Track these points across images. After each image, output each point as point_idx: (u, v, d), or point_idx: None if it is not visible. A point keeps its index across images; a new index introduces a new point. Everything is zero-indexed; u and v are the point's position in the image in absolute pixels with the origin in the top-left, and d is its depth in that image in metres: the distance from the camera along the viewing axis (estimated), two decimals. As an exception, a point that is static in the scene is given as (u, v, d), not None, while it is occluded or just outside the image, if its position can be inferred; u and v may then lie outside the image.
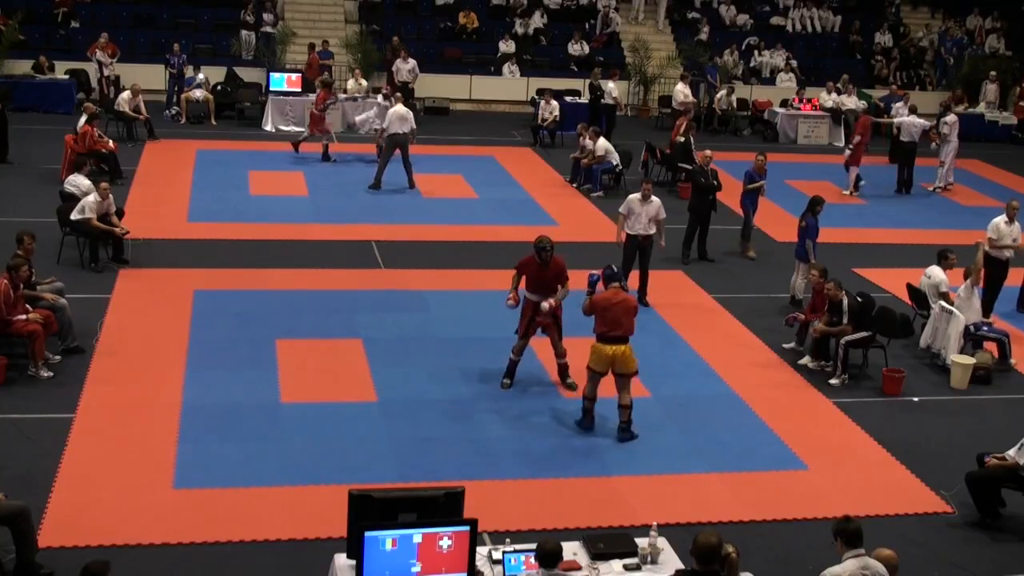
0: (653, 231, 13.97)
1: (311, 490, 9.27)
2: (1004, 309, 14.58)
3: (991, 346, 12.98)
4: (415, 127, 19.45)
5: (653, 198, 13.97)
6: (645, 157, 21.21)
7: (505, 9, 29.38)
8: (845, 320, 12.17)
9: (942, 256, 13.25)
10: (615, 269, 10.76)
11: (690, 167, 17.99)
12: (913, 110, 22.20)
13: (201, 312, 13.06)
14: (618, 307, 10.42)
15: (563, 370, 11.75)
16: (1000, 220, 14.15)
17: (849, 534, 6.89)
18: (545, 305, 11.22)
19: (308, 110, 21.55)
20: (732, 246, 16.80)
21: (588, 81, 25.31)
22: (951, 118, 21.59)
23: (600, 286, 10.68)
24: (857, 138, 20.75)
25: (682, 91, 24.41)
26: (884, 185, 21.74)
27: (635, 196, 14.03)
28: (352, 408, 10.90)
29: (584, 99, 25.35)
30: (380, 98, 22.01)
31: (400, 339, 12.65)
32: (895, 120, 22.54)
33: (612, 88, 24.42)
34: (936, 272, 13.11)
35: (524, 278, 11.39)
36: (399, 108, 19.19)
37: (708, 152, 16.73)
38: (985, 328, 12.97)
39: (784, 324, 13.17)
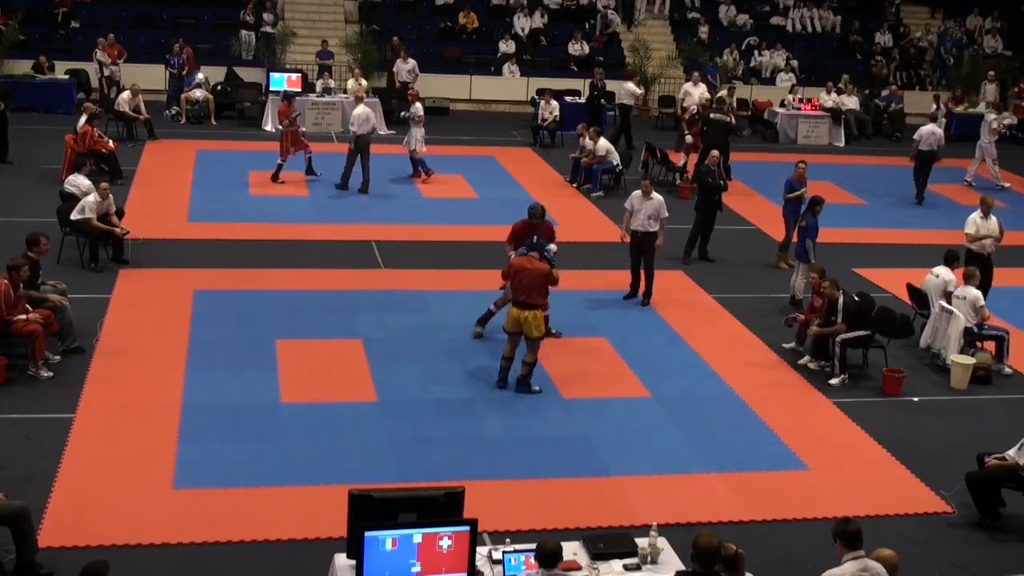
0: (652, 228, 13.95)
1: (311, 490, 9.27)
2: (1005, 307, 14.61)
3: (990, 345, 12.97)
4: (376, 126, 19.59)
5: (654, 195, 14.00)
6: (645, 157, 21.20)
7: (505, 9, 29.38)
8: (840, 319, 12.18)
9: (953, 257, 13.26)
10: (536, 241, 11.40)
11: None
12: (933, 118, 21.63)
13: (201, 312, 13.06)
14: (527, 275, 11.09)
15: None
16: (976, 216, 14.44)
17: (848, 535, 6.87)
18: (552, 247, 12.31)
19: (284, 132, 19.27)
20: (734, 246, 16.80)
21: (589, 81, 25.32)
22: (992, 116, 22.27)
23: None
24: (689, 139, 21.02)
25: (695, 91, 24.11)
26: (885, 186, 21.79)
27: (637, 192, 14.11)
28: (352, 408, 10.90)
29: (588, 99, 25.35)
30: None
31: (400, 339, 12.65)
32: (915, 136, 21.17)
33: (632, 88, 24.43)
34: (944, 272, 13.13)
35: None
36: (365, 109, 19.16)
37: (715, 152, 16.72)
38: (986, 326, 12.94)
39: (784, 324, 13.18)
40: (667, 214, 14.08)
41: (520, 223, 12.79)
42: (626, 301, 14.19)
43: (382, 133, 23.91)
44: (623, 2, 29.81)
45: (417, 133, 19.59)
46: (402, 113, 20.32)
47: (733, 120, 20.83)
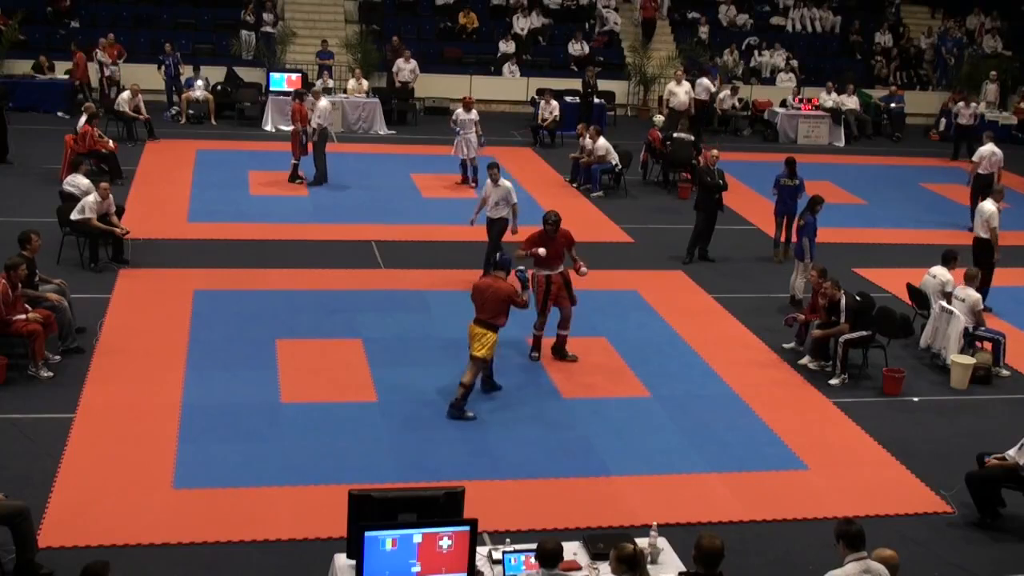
0: (502, 213, 14.42)
1: (311, 490, 9.27)
2: (1005, 308, 14.62)
3: (988, 346, 12.96)
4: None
5: (502, 182, 14.47)
6: (644, 157, 21.21)
7: (505, 9, 29.37)
8: (843, 319, 12.18)
9: (951, 257, 13.27)
10: (501, 257, 11.28)
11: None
12: (991, 138, 19.23)
13: (201, 312, 13.06)
14: (487, 293, 10.77)
15: (561, 342, 12.41)
16: (992, 206, 14.61)
17: (851, 536, 6.85)
18: (584, 270, 12.37)
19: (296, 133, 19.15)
20: (734, 246, 16.81)
21: (581, 79, 25.36)
22: None
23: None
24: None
25: (679, 90, 24.12)
26: (885, 186, 21.81)
27: (489, 181, 14.62)
28: (352, 408, 10.90)
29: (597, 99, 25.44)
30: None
31: (400, 339, 12.65)
32: (974, 158, 18.95)
33: (707, 84, 24.86)
34: (942, 272, 13.13)
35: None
36: (327, 103, 19.40)
37: (715, 152, 16.73)
38: (982, 328, 12.96)
39: (784, 324, 13.18)
40: (516, 200, 14.46)
41: (536, 232, 12.35)
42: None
43: (382, 133, 23.97)
44: (643, 27, 29.48)
45: (475, 140, 19.39)
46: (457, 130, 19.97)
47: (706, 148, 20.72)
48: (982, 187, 18.04)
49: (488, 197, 14.51)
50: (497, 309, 10.68)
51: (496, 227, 14.49)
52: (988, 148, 18.68)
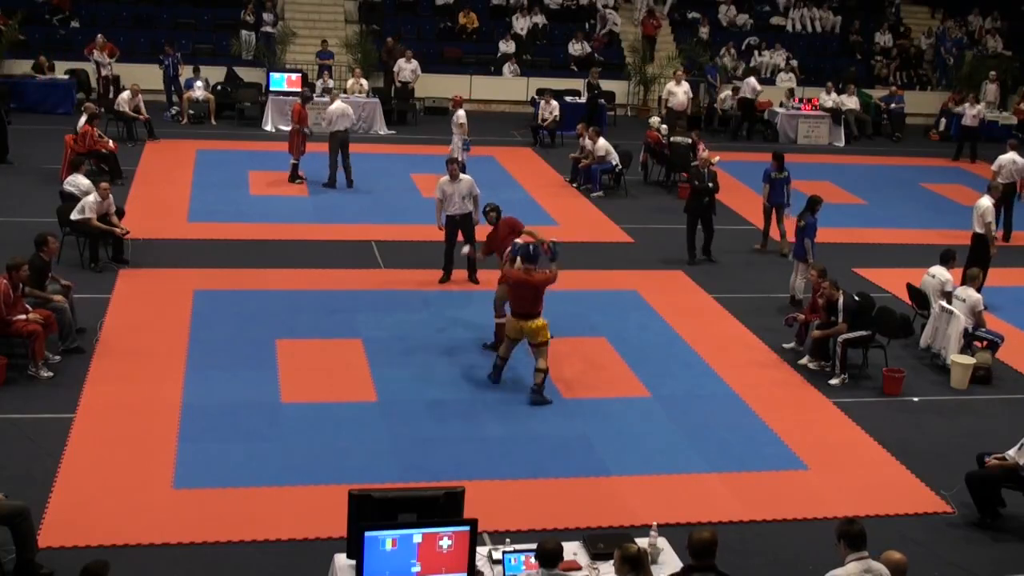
0: (469, 208, 14.34)
1: (311, 490, 9.27)
2: (1005, 308, 14.62)
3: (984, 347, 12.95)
4: (354, 120, 20.25)
5: (462, 176, 14.37)
6: (644, 158, 21.20)
7: (505, 9, 29.37)
8: (840, 319, 12.18)
9: (949, 256, 13.28)
10: (532, 251, 11.35)
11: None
12: (1014, 147, 18.30)
13: (201, 312, 13.06)
14: (527, 288, 11.14)
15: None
16: (988, 201, 14.86)
17: (852, 536, 6.84)
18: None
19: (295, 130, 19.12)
20: (734, 246, 16.81)
21: (586, 80, 25.39)
22: None
23: (519, 260, 11.45)
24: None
25: (678, 90, 24.26)
26: (885, 186, 21.81)
27: (445, 178, 14.41)
28: (352, 408, 10.90)
29: (604, 99, 25.44)
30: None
31: (400, 339, 12.65)
32: (993, 167, 18.34)
33: (754, 84, 25.26)
34: (941, 272, 13.13)
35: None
36: (340, 105, 19.31)
37: (706, 154, 16.73)
38: (982, 329, 12.95)
39: (784, 324, 13.18)
40: (479, 192, 14.43)
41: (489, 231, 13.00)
42: (461, 286, 14.52)
43: (382, 133, 23.97)
44: (644, 41, 29.38)
45: (456, 140, 19.28)
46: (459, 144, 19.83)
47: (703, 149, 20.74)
48: (1005, 196, 17.52)
49: (451, 195, 14.26)
50: (536, 299, 11.15)
51: (460, 224, 14.35)
52: (1009, 157, 18.05)
